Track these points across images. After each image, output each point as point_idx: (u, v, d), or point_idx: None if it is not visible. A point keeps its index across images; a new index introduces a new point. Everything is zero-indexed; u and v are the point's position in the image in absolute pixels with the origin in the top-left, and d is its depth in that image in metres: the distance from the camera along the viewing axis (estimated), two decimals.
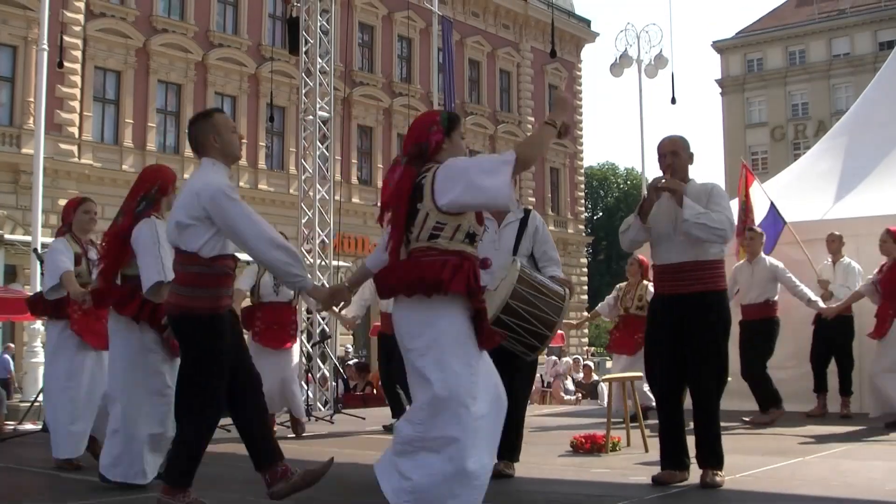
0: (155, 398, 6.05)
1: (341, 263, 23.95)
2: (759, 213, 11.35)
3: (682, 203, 5.74)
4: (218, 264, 4.97)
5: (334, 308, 6.40)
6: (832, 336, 10.51)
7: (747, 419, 9.92)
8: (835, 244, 10.83)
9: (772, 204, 11.44)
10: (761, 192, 11.71)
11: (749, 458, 7.01)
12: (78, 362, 7.08)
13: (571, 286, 6.34)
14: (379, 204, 4.65)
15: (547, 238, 6.54)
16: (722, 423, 6.02)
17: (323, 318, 13.90)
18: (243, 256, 5.31)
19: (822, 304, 10.40)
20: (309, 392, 13.11)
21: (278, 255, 4.84)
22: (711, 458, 5.90)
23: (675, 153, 6.08)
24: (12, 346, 23.47)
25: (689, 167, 6.15)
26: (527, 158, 4.33)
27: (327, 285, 14.17)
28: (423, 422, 4.30)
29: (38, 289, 13.57)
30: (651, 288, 7.00)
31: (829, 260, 10.90)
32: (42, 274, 7.60)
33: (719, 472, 5.86)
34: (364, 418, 11.06)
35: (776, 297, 10.39)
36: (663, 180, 5.84)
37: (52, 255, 7.04)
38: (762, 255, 10.47)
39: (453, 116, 4.67)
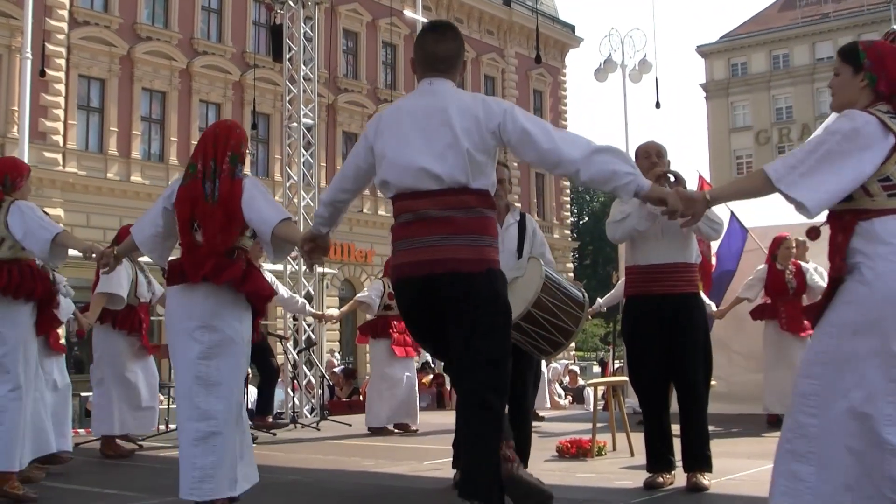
0: None
1: (326, 270, 23.95)
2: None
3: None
4: None
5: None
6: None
7: None
8: (799, 249, 10.95)
9: (732, 214, 11.48)
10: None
11: (735, 462, 7.02)
12: None
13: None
14: (363, 210, 4.56)
15: (543, 241, 6.52)
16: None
17: (309, 325, 13.90)
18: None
19: (714, 308, 10.52)
20: (295, 399, 13.12)
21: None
22: (700, 460, 5.92)
23: (660, 155, 6.12)
24: None
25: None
26: None
27: (312, 292, 14.18)
28: None
29: None
30: None
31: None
32: None
33: (707, 475, 5.88)
34: (350, 425, 11.05)
35: None
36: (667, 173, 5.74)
37: (38, 212, 6.13)
38: None
39: None
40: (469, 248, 4.10)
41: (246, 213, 5.01)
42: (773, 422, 9.90)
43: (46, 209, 8.10)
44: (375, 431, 10.40)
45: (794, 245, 10.28)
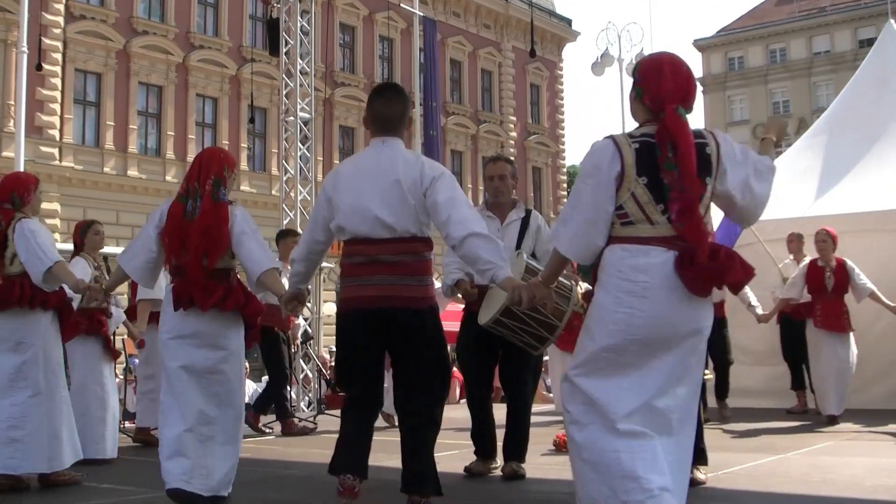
0: None
1: (323, 264, 23.93)
2: (714, 218, 11.28)
3: None
4: None
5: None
6: (799, 335, 10.60)
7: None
8: (794, 244, 10.93)
9: None
10: None
11: (730, 455, 7.03)
12: None
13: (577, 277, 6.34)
14: None
15: (550, 237, 6.54)
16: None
17: (306, 319, 13.88)
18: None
19: (759, 311, 10.47)
20: (292, 393, 13.10)
21: None
22: (695, 454, 5.92)
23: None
24: None
25: None
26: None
27: (310, 288, 14.14)
28: None
29: None
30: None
31: (791, 258, 10.97)
32: None
33: (703, 469, 5.88)
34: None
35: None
36: None
37: (39, 238, 6.27)
38: None
39: None
40: (417, 288, 4.73)
41: (235, 248, 5.36)
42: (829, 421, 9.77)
43: (43, 203, 8.13)
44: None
45: (826, 239, 10.00)
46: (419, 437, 4.81)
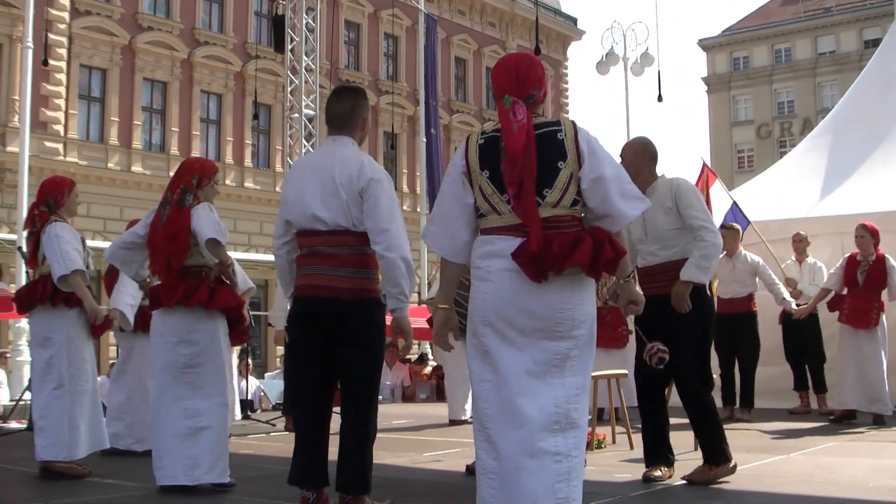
0: None
1: None
2: (719, 213, 11.24)
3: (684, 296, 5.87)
4: None
5: None
6: (801, 334, 10.59)
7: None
8: (801, 244, 10.93)
9: (734, 204, 11.44)
10: (723, 192, 11.74)
11: (733, 455, 7.03)
12: None
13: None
14: None
15: None
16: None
17: None
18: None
19: (793, 305, 10.47)
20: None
21: None
22: (710, 454, 5.95)
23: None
24: None
25: (652, 166, 6.25)
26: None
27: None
28: None
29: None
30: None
31: (794, 259, 10.96)
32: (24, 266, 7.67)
33: (715, 467, 5.95)
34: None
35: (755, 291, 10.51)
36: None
37: (63, 244, 6.57)
38: (741, 250, 10.52)
39: None
40: (350, 279, 4.80)
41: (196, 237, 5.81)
42: (844, 417, 9.83)
43: None
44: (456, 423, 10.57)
45: (863, 234, 9.83)
46: (357, 440, 4.86)
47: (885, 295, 9.81)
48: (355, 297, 4.78)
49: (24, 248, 7.09)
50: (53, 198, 6.75)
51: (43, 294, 6.54)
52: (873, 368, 9.64)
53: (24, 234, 7.01)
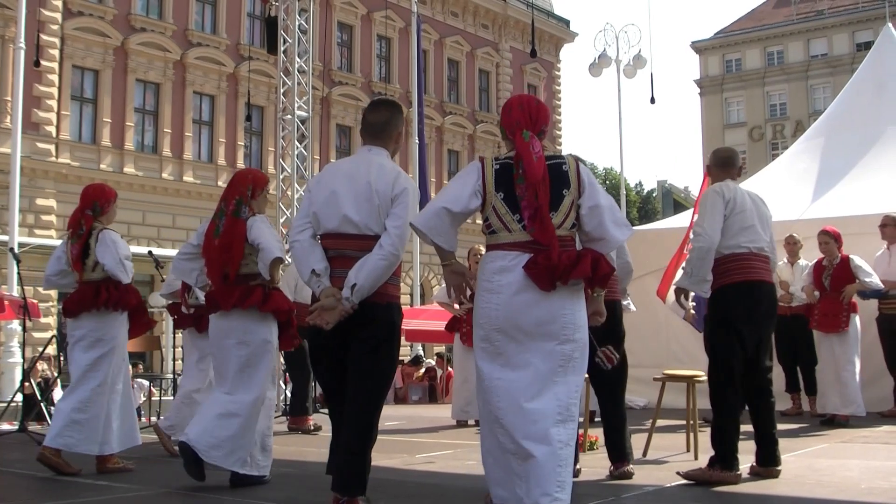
0: None
1: None
2: None
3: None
4: None
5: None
6: (794, 336, 10.62)
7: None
8: (795, 246, 10.96)
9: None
10: None
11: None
12: None
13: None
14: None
15: None
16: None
17: None
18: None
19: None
20: (288, 391, 13.11)
21: None
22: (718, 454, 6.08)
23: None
24: None
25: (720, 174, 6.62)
26: None
27: None
28: None
29: (14, 289, 13.52)
30: None
31: (786, 261, 10.99)
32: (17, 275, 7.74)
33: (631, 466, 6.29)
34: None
35: None
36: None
37: (123, 249, 7.04)
38: None
39: None
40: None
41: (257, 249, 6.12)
42: (828, 420, 9.85)
43: (39, 200, 8.26)
44: (462, 425, 10.66)
45: (826, 240, 10.01)
46: (349, 432, 4.91)
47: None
48: (379, 301, 4.89)
49: (16, 251, 7.21)
50: (101, 205, 7.09)
51: (108, 299, 6.88)
52: (845, 371, 9.74)
53: (60, 235, 7.40)
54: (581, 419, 8.44)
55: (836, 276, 9.91)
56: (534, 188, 4.25)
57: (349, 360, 4.92)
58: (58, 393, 13.53)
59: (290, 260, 6.41)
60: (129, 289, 7.04)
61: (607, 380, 6.41)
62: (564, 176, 4.37)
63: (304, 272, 4.99)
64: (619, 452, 6.35)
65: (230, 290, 6.13)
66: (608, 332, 6.03)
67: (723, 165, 6.59)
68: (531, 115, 4.44)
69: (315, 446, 8.40)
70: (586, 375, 7.87)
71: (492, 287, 4.31)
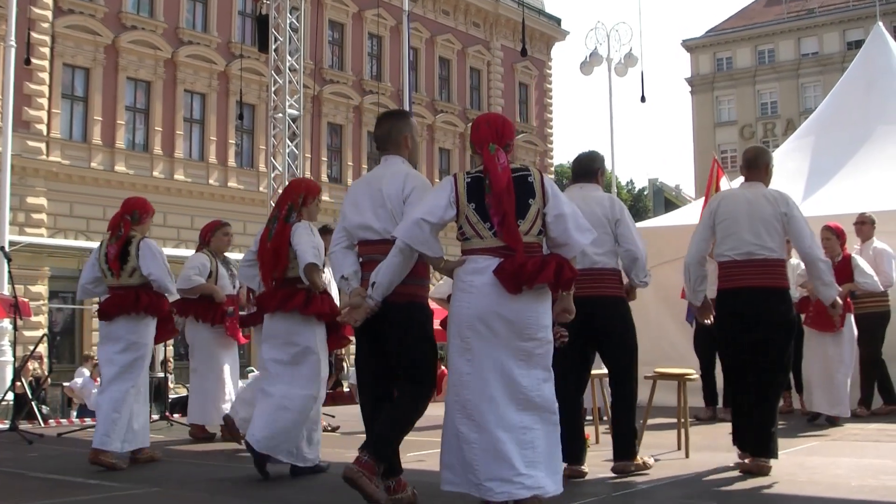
0: None
1: None
2: None
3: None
4: None
5: None
6: None
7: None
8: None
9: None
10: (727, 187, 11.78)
11: (716, 455, 7.07)
12: None
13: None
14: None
15: None
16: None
17: None
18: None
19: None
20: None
21: None
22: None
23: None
24: None
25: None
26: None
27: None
28: None
29: (5, 287, 13.48)
30: None
31: None
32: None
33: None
34: (334, 416, 11.05)
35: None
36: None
37: (164, 260, 7.59)
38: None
39: None
40: (400, 285, 5.14)
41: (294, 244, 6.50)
42: (812, 419, 9.85)
43: (30, 198, 8.33)
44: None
45: (828, 236, 9.89)
46: (385, 419, 5.26)
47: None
48: (400, 301, 5.18)
49: (7, 250, 7.28)
50: (140, 214, 7.56)
51: (149, 304, 7.32)
52: (837, 371, 9.67)
53: (102, 237, 7.72)
54: (589, 417, 8.51)
55: (836, 273, 9.77)
56: (499, 196, 4.63)
57: (390, 357, 5.34)
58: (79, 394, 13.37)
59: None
60: (162, 296, 7.50)
61: (618, 377, 6.77)
62: (530, 187, 4.77)
63: (337, 278, 5.46)
64: (622, 449, 6.45)
65: (274, 293, 6.59)
66: (613, 327, 6.64)
67: (747, 166, 7.06)
68: (497, 131, 4.87)
69: (326, 447, 8.38)
70: (602, 371, 8.10)
71: (465, 287, 4.72)
